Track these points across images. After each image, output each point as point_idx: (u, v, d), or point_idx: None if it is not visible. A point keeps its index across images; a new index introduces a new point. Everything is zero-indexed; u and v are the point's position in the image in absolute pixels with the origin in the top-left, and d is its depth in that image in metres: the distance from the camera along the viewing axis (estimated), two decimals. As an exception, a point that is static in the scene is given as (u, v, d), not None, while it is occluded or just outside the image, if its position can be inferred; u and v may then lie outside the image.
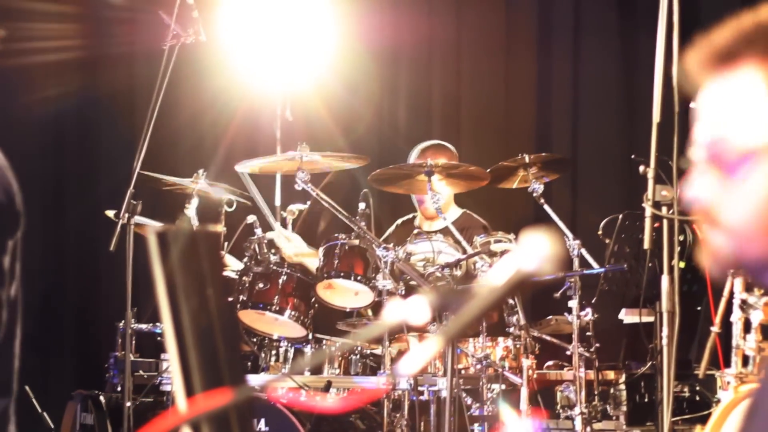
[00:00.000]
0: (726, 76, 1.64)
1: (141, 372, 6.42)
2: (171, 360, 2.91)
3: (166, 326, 2.64)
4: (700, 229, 5.27)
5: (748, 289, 4.75)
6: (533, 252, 1.68)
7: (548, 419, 6.01)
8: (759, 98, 1.61)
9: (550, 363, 6.26)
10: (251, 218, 6.24)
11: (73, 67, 8.09)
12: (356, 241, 6.02)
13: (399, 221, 7.14)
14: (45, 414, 6.59)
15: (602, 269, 6.04)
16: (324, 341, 6.24)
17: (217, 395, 1.79)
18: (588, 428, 5.71)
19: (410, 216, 7.18)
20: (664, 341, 4.39)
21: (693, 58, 1.68)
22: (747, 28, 1.64)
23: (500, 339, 5.91)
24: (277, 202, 7.07)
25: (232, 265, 6.39)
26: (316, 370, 6.10)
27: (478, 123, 8.39)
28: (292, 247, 6.55)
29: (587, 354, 5.82)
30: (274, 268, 6.07)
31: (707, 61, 1.67)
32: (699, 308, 6.24)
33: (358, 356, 6.17)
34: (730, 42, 1.64)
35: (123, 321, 5.91)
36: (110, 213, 6.15)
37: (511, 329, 5.89)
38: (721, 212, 1.64)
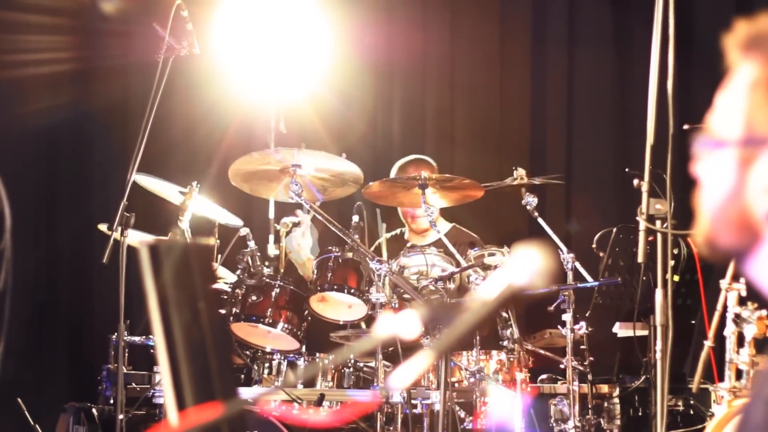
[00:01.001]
0: (743, 66, 1.68)
1: (134, 385, 6.40)
2: (162, 373, 2.91)
3: (158, 339, 2.64)
4: (694, 243, 5.27)
5: (742, 303, 4.74)
6: (525, 266, 1.67)
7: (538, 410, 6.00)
8: (745, 92, 1.65)
9: (543, 376, 6.25)
10: (244, 231, 6.23)
11: (66, 80, 8.08)
12: (350, 254, 6.01)
13: (385, 237, 7.10)
14: (37, 426, 6.57)
15: (596, 283, 6.04)
16: (317, 355, 6.23)
17: (209, 409, 1.78)
18: (582, 442, 5.70)
19: (397, 231, 7.18)
20: (658, 355, 4.38)
21: (731, 38, 1.71)
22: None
23: (494, 352, 5.90)
24: (271, 215, 7.05)
25: (226, 278, 6.38)
26: (309, 383, 6.09)
27: (472, 136, 8.39)
28: (302, 251, 6.57)
29: (581, 367, 5.81)
30: (267, 280, 6.06)
31: (737, 45, 1.70)
32: (693, 322, 6.24)
33: (351, 369, 6.16)
34: (753, 34, 1.68)
35: (116, 333, 5.89)
36: (103, 227, 6.13)
37: (505, 342, 5.88)
38: (701, 198, 1.69)
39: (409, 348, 5.75)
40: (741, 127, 1.64)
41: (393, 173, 6.96)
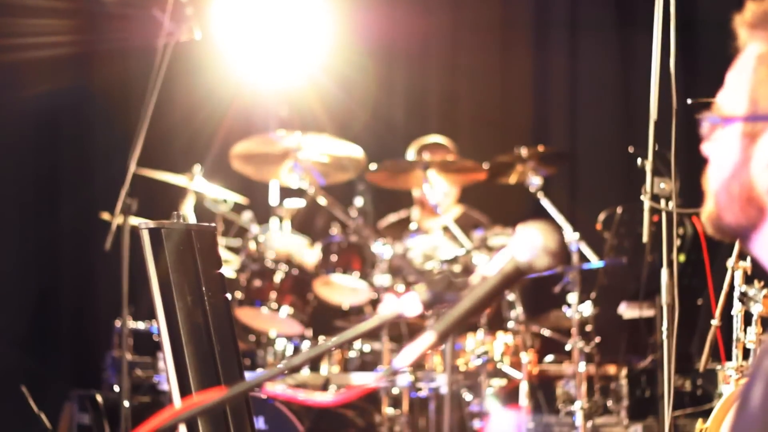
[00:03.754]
0: (751, 43, 1.68)
1: (138, 371, 6.39)
2: (165, 358, 2.89)
3: (160, 324, 2.62)
4: (699, 222, 5.24)
5: (748, 281, 4.72)
6: (529, 244, 1.65)
7: (540, 414, 5.99)
8: (751, 69, 1.65)
9: (549, 358, 6.24)
10: (247, 215, 6.22)
11: (66, 63, 8.05)
12: (353, 238, 6.00)
13: (391, 219, 7.10)
14: (42, 414, 6.56)
15: (601, 263, 6.02)
16: (322, 338, 6.23)
17: (213, 393, 1.77)
18: (589, 423, 5.69)
19: (403, 215, 7.16)
20: (665, 335, 4.36)
21: (739, 17, 1.71)
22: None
23: (499, 334, 5.88)
24: (273, 201, 7.03)
25: (231, 261, 6.37)
26: (314, 368, 6.08)
27: (475, 119, 8.37)
28: (281, 243, 6.51)
29: (587, 349, 5.80)
30: (271, 265, 6.04)
31: (744, 23, 1.70)
32: (699, 302, 6.22)
33: (357, 353, 6.15)
34: (759, 12, 1.68)
35: (119, 320, 5.88)
36: (105, 215, 6.12)
37: (510, 324, 5.87)
38: (708, 176, 1.69)
39: (414, 329, 5.74)
40: (746, 102, 1.64)
41: (410, 155, 6.92)
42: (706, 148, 1.69)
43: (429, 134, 7.24)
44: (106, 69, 8.12)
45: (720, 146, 1.66)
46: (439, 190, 6.46)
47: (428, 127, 8.11)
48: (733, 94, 1.66)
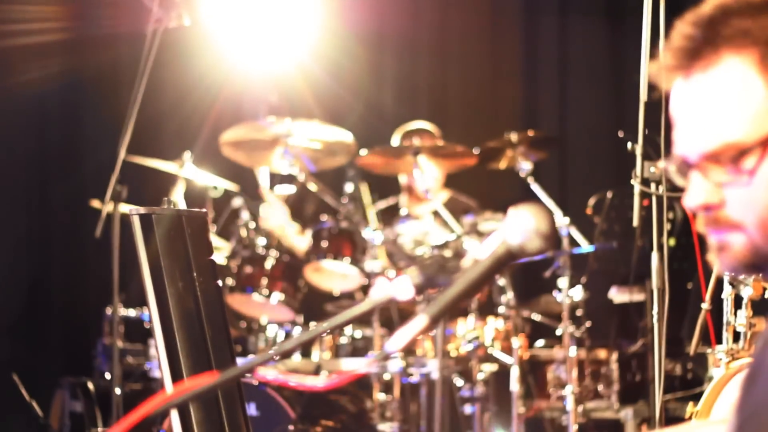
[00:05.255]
0: (705, 75, 1.60)
1: (129, 358, 6.39)
2: (157, 344, 2.89)
3: (152, 310, 2.62)
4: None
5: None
6: (520, 227, 1.65)
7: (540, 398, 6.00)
8: (749, 88, 1.57)
9: (540, 342, 6.25)
10: (237, 202, 6.21)
11: (55, 49, 8.03)
12: (344, 224, 6.00)
13: (380, 206, 7.11)
14: (33, 402, 6.56)
15: (592, 248, 6.03)
16: (312, 324, 6.23)
17: (204, 378, 1.77)
18: (580, 407, 5.70)
19: (392, 202, 7.16)
20: (655, 319, 4.37)
21: (660, 62, 1.65)
22: (713, 21, 1.60)
23: (490, 319, 5.89)
24: (264, 185, 7.03)
25: (223, 248, 6.37)
26: (306, 353, 6.09)
27: (465, 105, 8.37)
28: (276, 218, 6.49)
29: (578, 333, 5.81)
30: (262, 252, 6.04)
31: (677, 65, 1.63)
32: (689, 285, 6.23)
33: (348, 339, 6.15)
34: (701, 40, 1.60)
35: (110, 307, 5.88)
36: (95, 202, 6.12)
37: (501, 309, 5.88)
38: (733, 210, 1.60)
39: (405, 314, 5.74)
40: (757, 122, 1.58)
41: (396, 141, 6.91)
42: (706, 190, 1.62)
43: (418, 120, 7.24)
44: (95, 55, 8.11)
45: (757, 173, 1.57)
46: (430, 176, 6.46)
47: (418, 113, 8.10)
48: (741, 119, 1.57)
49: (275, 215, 6.46)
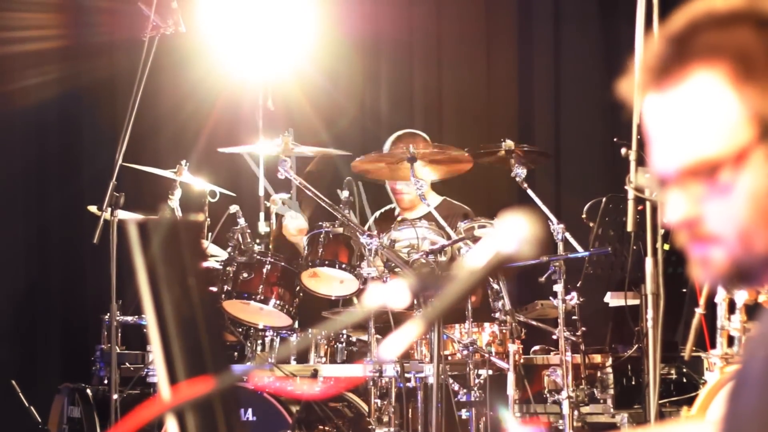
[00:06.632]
0: (677, 90, 1.60)
1: (127, 364, 6.41)
2: (154, 349, 2.91)
3: (149, 316, 2.64)
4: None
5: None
6: (512, 233, 1.67)
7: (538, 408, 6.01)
8: (721, 101, 1.56)
9: (536, 348, 6.27)
10: (234, 208, 6.22)
11: (53, 57, 8.06)
12: (340, 229, 6.00)
13: (377, 213, 7.14)
14: (32, 408, 6.57)
15: (587, 253, 6.04)
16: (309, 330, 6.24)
17: (201, 383, 1.78)
18: (575, 412, 5.71)
19: (388, 207, 7.18)
20: (650, 324, 4.39)
21: (632, 79, 1.66)
22: (682, 36, 1.60)
23: (486, 324, 5.90)
24: (261, 192, 7.05)
25: (218, 255, 6.38)
26: (302, 359, 6.10)
27: (460, 112, 8.38)
28: (297, 223, 6.56)
29: (573, 338, 5.82)
30: (258, 257, 6.05)
31: (649, 81, 1.63)
32: (684, 290, 6.25)
33: (344, 344, 6.17)
34: (671, 55, 1.61)
35: (108, 313, 5.89)
36: (93, 208, 6.13)
37: (497, 314, 5.89)
38: (713, 224, 1.59)
39: (400, 320, 5.75)
40: (742, 127, 1.57)
41: (386, 147, 6.93)
42: (684, 204, 1.61)
43: (414, 127, 7.25)
44: (92, 63, 8.13)
45: (734, 185, 1.56)
46: (425, 182, 6.47)
47: (413, 120, 8.13)
48: (715, 132, 1.56)
49: (299, 224, 6.53)
